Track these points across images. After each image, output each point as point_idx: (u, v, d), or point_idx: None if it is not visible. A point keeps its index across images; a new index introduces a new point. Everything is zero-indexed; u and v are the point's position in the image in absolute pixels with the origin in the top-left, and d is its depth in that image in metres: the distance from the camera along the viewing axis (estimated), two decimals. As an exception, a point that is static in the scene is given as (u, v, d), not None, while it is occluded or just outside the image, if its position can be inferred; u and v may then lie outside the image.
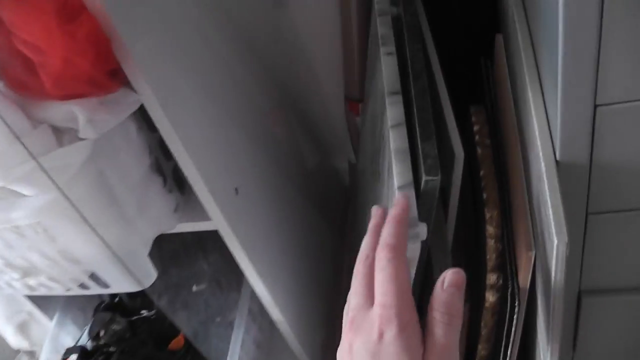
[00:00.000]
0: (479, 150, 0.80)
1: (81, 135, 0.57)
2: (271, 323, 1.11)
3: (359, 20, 1.03)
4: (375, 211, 0.60)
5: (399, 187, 0.62)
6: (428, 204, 0.63)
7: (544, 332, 0.67)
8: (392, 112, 0.70)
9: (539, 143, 0.56)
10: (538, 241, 0.65)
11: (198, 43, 0.76)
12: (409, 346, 0.48)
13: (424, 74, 0.73)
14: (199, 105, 0.72)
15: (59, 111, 0.56)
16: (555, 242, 0.51)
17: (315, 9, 1.06)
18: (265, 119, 1.05)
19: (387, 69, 0.75)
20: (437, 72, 0.81)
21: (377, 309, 0.50)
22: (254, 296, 1.04)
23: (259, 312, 1.07)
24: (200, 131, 0.72)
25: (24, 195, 0.58)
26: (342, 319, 0.56)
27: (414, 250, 0.59)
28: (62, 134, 0.59)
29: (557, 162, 0.55)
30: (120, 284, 0.74)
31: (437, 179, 0.61)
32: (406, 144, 0.66)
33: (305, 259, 1.12)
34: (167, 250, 0.98)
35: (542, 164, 0.55)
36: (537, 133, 0.57)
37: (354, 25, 1.03)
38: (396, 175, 0.63)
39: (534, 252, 0.66)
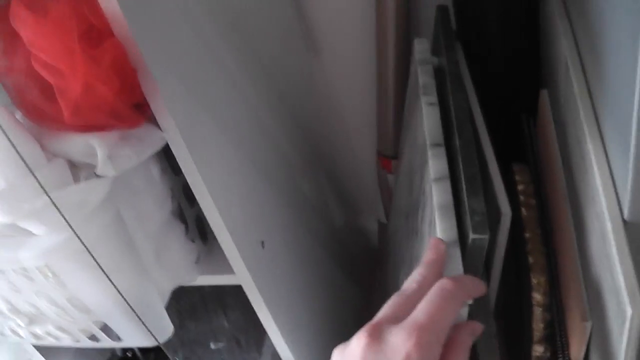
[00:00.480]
0: (524, 211, 0.74)
1: (99, 171, 0.53)
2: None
3: (396, 73, 0.99)
4: (437, 244, 0.56)
5: (443, 246, 0.56)
6: (474, 265, 0.58)
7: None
8: (435, 164, 0.65)
9: (603, 201, 0.50)
10: (595, 311, 0.58)
11: (228, 87, 0.72)
12: None
13: (469, 125, 0.68)
14: (226, 151, 0.68)
15: (77, 144, 0.52)
16: (630, 312, 0.44)
17: (350, 58, 1.03)
18: (293, 173, 1.01)
19: (429, 119, 0.71)
20: (481, 125, 0.77)
21: (409, 325, 0.47)
22: (275, 357, 0.98)
23: (279, 375, 1.01)
24: (226, 178, 0.67)
25: (34, 235, 0.54)
26: None
27: (461, 315, 0.53)
28: (79, 170, 0.55)
29: (624, 221, 0.49)
30: (133, 338, 0.68)
31: (486, 237, 0.56)
32: (450, 199, 0.61)
33: (330, 322, 1.06)
34: (186, 303, 0.92)
35: (608, 224, 0.49)
36: (600, 191, 0.51)
37: (391, 77, 0.99)
38: (440, 233, 0.58)
39: (590, 323, 0.59)
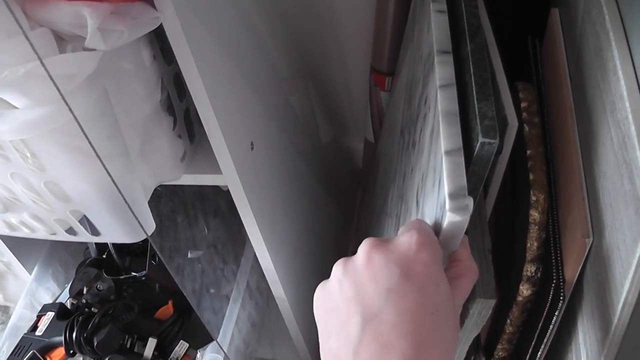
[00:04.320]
0: (527, 128, 0.72)
1: (89, 43, 0.48)
2: (268, 301, 1.03)
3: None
4: None
5: (447, 152, 0.53)
6: (480, 173, 0.55)
7: (593, 338, 0.59)
8: (442, 71, 0.61)
9: (627, 107, 0.48)
10: (599, 228, 0.56)
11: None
12: (441, 278, 0.45)
13: (482, 30, 0.65)
14: (220, 47, 0.64)
15: (66, 12, 0.47)
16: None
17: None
18: (282, 85, 0.97)
19: (437, 26, 0.67)
20: (490, 37, 0.73)
21: (408, 233, 0.45)
22: (253, 271, 0.96)
23: (256, 288, 0.99)
24: (219, 73, 0.63)
25: (14, 108, 0.49)
26: None
27: (461, 225, 0.50)
28: (65, 43, 0.50)
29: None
30: (113, 233, 0.65)
31: (495, 142, 0.53)
32: (456, 106, 0.58)
33: (310, 237, 1.04)
34: (165, 208, 0.89)
35: (632, 128, 0.46)
36: (625, 96, 0.48)
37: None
38: (444, 139, 0.54)
39: (590, 240, 0.57)
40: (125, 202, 0.51)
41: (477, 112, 0.55)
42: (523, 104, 0.74)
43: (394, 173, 0.84)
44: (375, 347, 0.40)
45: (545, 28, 0.84)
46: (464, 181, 0.51)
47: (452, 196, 0.50)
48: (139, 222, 0.60)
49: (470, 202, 0.50)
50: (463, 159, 0.53)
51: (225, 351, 0.83)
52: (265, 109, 0.81)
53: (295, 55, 1.04)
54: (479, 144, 0.53)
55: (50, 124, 0.50)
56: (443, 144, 0.54)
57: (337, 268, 0.46)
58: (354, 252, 0.47)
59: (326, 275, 0.48)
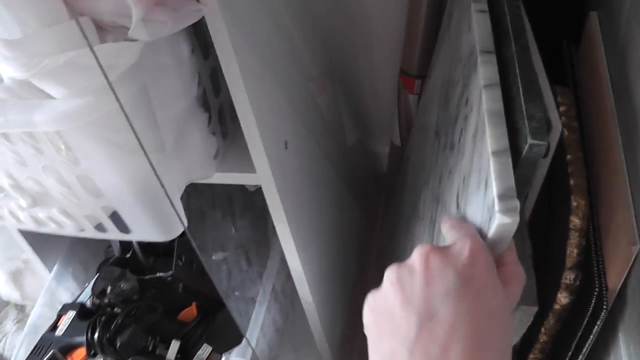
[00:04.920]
0: (566, 133, 0.70)
1: (132, 34, 0.47)
2: (293, 305, 1.02)
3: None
4: None
5: (494, 153, 0.52)
6: (526, 175, 0.54)
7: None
8: (486, 71, 0.60)
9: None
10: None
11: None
12: (496, 281, 0.44)
13: (525, 31, 0.63)
14: (255, 44, 0.63)
15: (109, 1, 0.46)
16: None
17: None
18: (311, 85, 0.96)
19: (479, 26, 0.66)
20: (530, 37, 0.71)
21: (463, 240, 0.46)
22: (279, 274, 0.94)
23: (281, 291, 0.97)
24: (255, 70, 0.62)
25: (51, 98, 0.48)
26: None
27: (511, 227, 0.48)
28: (106, 33, 0.49)
29: None
30: (144, 231, 0.64)
31: (544, 145, 0.51)
32: (501, 106, 0.56)
33: (334, 240, 1.03)
34: (193, 207, 0.88)
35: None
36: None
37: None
38: (490, 140, 0.53)
39: (637, 247, 0.55)
40: (167, 196, 0.50)
41: (524, 113, 0.54)
42: (562, 108, 0.72)
43: (427, 175, 0.82)
44: (431, 347, 0.40)
45: (580, 32, 0.83)
46: (512, 182, 0.50)
47: (501, 197, 0.48)
48: (179, 217, 0.59)
49: (518, 204, 0.49)
50: (510, 160, 0.52)
51: (252, 355, 0.82)
52: (295, 109, 0.80)
53: (324, 55, 1.03)
54: (527, 145, 0.51)
55: (88, 116, 0.49)
56: (490, 145, 0.52)
57: (391, 272, 0.46)
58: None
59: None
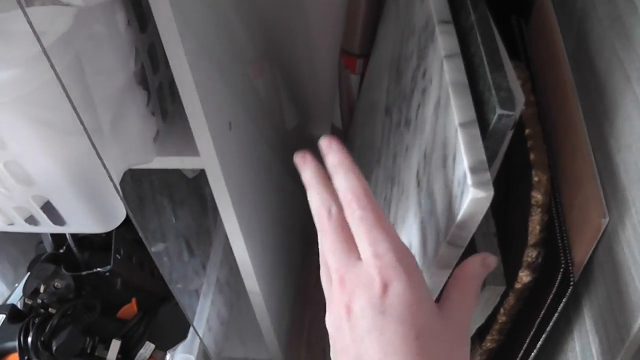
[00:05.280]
0: (524, 107, 0.68)
1: (64, -3, 0.42)
2: (238, 297, 0.98)
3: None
4: (303, 160, 0.53)
5: (461, 124, 0.49)
6: (494, 148, 0.51)
7: (611, 323, 0.55)
8: (446, 41, 0.57)
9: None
10: (616, 206, 0.53)
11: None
12: (420, 297, 0.41)
13: (482, 2, 0.61)
14: (196, 19, 0.58)
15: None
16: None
17: None
18: (248, 68, 0.91)
19: (434, -4, 0.63)
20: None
21: (370, 260, 0.42)
22: (223, 264, 0.90)
23: (226, 283, 0.93)
24: (197, 46, 0.57)
25: (-26, 71, 0.42)
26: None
27: (485, 202, 0.46)
28: (33, -2, 0.43)
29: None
30: (80, 222, 0.58)
31: (514, 115, 0.49)
32: (465, 76, 0.54)
33: (278, 228, 0.99)
34: (130, 196, 0.82)
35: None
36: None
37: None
38: (457, 111, 0.50)
39: (607, 220, 0.54)
40: (112, 180, 0.44)
41: (491, 83, 0.51)
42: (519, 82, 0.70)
43: (377, 155, 0.79)
44: None
45: (528, 7, 0.81)
46: (483, 155, 0.47)
47: (473, 170, 0.46)
48: (99, 211, 0.54)
49: (490, 177, 0.46)
50: (479, 131, 0.49)
51: (199, 349, 0.77)
52: (234, 91, 0.75)
53: (261, 37, 0.98)
54: (496, 116, 0.49)
55: (16, 90, 0.43)
56: (456, 116, 0.50)
57: (329, 322, 0.45)
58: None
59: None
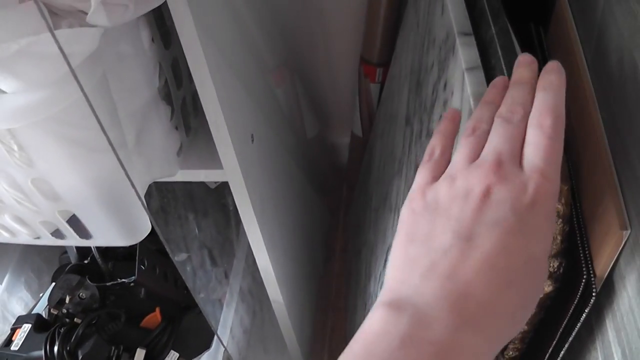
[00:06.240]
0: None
1: (91, 18, 0.42)
2: (261, 305, 0.98)
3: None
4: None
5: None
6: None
7: (635, 335, 0.55)
8: (467, 53, 0.57)
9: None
10: (638, 218, 0.53)
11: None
12: (553, 222, 0.44)
13: (503, 13, 0.61)
14: (219, 34, 0.59)
15: (65, -17, 0.42)
16: None
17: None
18: (268, 77, 0.92)
19: (454, 8, 0.64)
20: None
21: (535, 174, 0.41)
22: (245, 273, 0.91)
23: (248, 291, 0.93)
24: (220, 60, 0.58)
25: (3, 92, 0.43)
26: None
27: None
28: (60, 19, 0.44)
29: None
30: (106, 235, 0.59)
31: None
32: (486, 89, 0.54)
33: (301, 235, 0.99)
34: (154, 207, 0.83)
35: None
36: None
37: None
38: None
39: (628, 232, 0.54)
40: (138, 196, 0.45)
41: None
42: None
43: (398, 165, 0.79)
44: (454, 267, 0.38)
45: (547, 15, 0.81)
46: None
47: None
48: (125, 225, 0.55)
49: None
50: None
51: (222, 358, 0.78)
52: (256, 101, 0.76)
53: (281, 45, 0.99)
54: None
55: (45, 111, 0.44)
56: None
57: (446, 184, 0.43)
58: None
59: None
